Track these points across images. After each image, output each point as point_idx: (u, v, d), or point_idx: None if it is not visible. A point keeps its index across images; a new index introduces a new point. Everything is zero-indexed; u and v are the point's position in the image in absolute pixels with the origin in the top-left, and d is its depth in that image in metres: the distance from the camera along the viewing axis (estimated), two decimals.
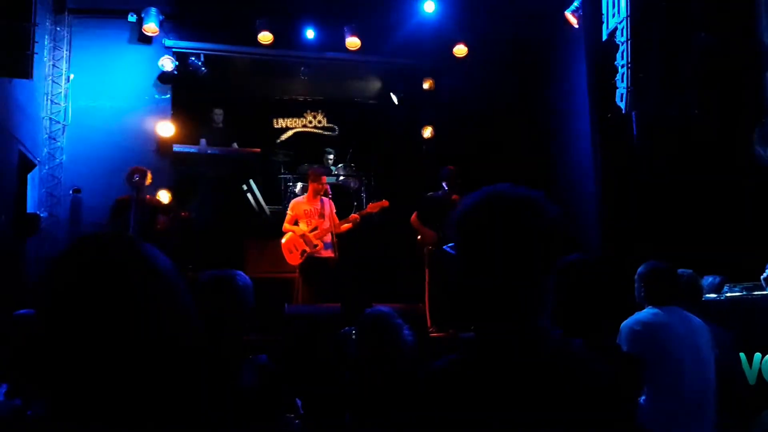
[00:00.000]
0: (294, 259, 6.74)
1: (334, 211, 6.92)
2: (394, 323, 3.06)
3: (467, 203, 1.33)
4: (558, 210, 1.30)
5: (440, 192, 6.86)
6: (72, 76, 7.85)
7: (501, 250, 1.26)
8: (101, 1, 8.11)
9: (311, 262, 6.68)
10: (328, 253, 6.70)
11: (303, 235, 6.69)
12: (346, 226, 6.85)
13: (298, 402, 2.74)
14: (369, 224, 8.11)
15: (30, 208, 7.10)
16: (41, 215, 7.11)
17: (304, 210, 6.81)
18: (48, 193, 7.50)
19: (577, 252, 2.34)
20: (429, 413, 1.24)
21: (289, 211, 6.94)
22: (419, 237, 6.86)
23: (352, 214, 7.03)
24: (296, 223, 6.81)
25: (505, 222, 1.27)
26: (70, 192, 7.56)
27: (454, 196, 6.66)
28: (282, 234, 6.85)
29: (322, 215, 6.77)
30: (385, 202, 7.04)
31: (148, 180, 6.67)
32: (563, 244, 1.31)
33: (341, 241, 6.86)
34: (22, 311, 3.10)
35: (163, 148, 8.06)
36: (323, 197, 6.86)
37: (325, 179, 6.94)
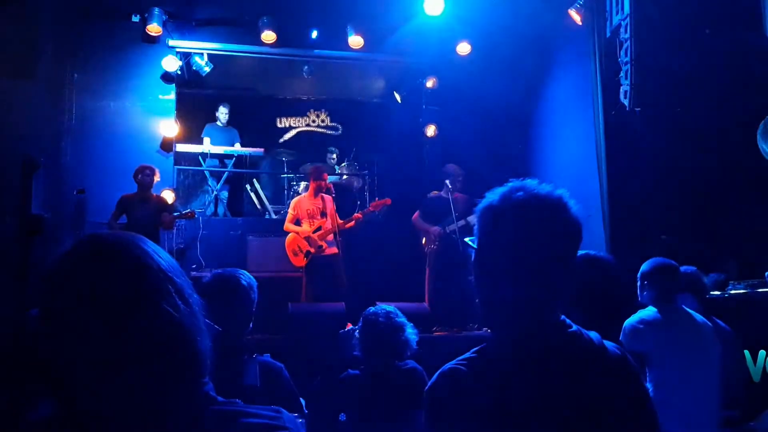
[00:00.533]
0: (299, 261, 6.73)
1: (334, 207, 6.91)
2: (398, 321, 3.06)
3: (491, 198, 1.33)
4: (578, 208, 1.31)
5: (443, 191, 6.88)
6: (76, 76, 7.86)
7: (521, 245, 1.28)
8: (105, 2, 8.11)
9: (316, 262, 6.67)
10: (332, 250, 6.69)
11: (307, 237, 6.68)
12: (349, 224, 6.84)
13: (302, 401, 2.75)
14: (373, 222, 8.12)
15: (35, 208, 7.12)
16: (46, 216, 7.13)
17: (306, 209, 6.80)
18: (52, 193, 7.51)
19: (584, 250, 2.34)
20: (447, 414, 1.24)
21: (290, 210, 6.91)
22: (424, 241, 6.89)
23: (355, 214, 7.03)
24: (298, 222, 6.79)
25: (526, 218, 1.28)
26: (75, 193, 7.57)
27: (456, 195, 6.68)
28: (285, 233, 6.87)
29: (324, 213, 6.74)
30: (387, 201, 7.04)
31: (156, 178, 6.70)
32: (580, 242, 1.33)
33: (346, 240, 6.86)
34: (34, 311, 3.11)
35: (166, 147, 8.07)
36: (324, 194, 6.83)
37: (327, 176, 6.92)
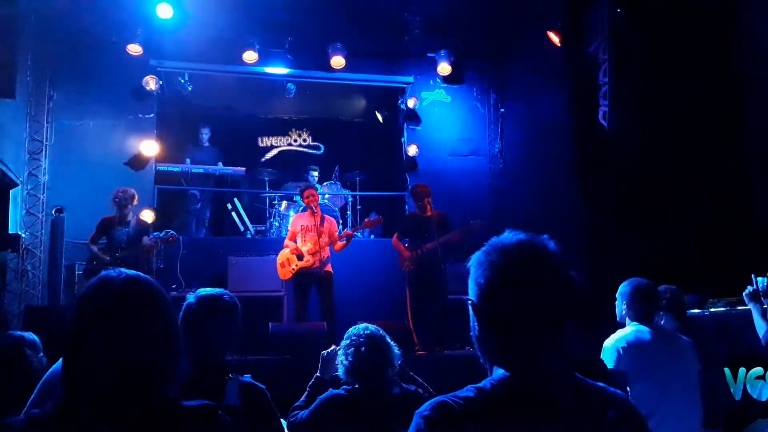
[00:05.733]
0: (285, 274, 6.71)
1: (336, 228, 6.88)
2: (384, 341, 3.04)
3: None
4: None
5: (417, 210, 6.95)
6: (55, 95, 7.79)
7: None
8: (85, 21, 8.02)
9: (301, 277, 6.63)
10: (321, 268, 6.60)
11: (294, 250, 6.66)
12: (342, 244, 6.79)
13: (283, 423, 2.71)
14: (355, 242, 8.10)
15: (12, 228, 7.02)
16: (23, 235, 7.03)
17: (301, 225, 6.78)
18: (29, 212, 7.43)
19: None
20: None
21: (289, 227, 7.04)
22: (401, 260, 6.91)
23: (346, 231, 7.04)
24: (297, 240, 6.81)
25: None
26: (53, 212, 7.46)
27: (429, 213, 6.73)
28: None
29: (319, 231, 6.71)
30: (380, 219, 7.07)
31: (134, 201, 6.61)
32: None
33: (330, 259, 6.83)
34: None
35: (147, 167, 8.00)
36: (324, 214, 6.83)
37: (315, 191, 6.90)
